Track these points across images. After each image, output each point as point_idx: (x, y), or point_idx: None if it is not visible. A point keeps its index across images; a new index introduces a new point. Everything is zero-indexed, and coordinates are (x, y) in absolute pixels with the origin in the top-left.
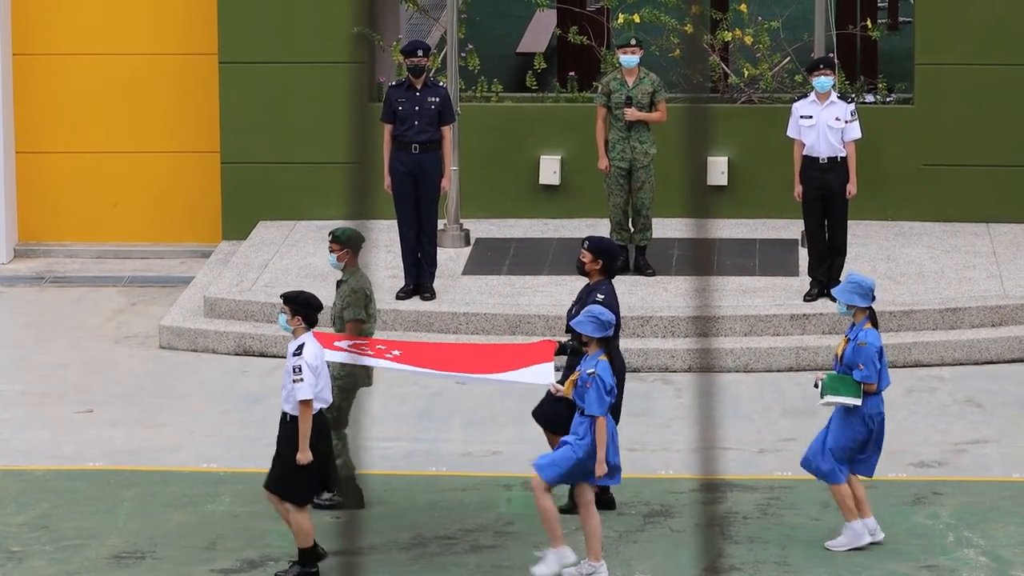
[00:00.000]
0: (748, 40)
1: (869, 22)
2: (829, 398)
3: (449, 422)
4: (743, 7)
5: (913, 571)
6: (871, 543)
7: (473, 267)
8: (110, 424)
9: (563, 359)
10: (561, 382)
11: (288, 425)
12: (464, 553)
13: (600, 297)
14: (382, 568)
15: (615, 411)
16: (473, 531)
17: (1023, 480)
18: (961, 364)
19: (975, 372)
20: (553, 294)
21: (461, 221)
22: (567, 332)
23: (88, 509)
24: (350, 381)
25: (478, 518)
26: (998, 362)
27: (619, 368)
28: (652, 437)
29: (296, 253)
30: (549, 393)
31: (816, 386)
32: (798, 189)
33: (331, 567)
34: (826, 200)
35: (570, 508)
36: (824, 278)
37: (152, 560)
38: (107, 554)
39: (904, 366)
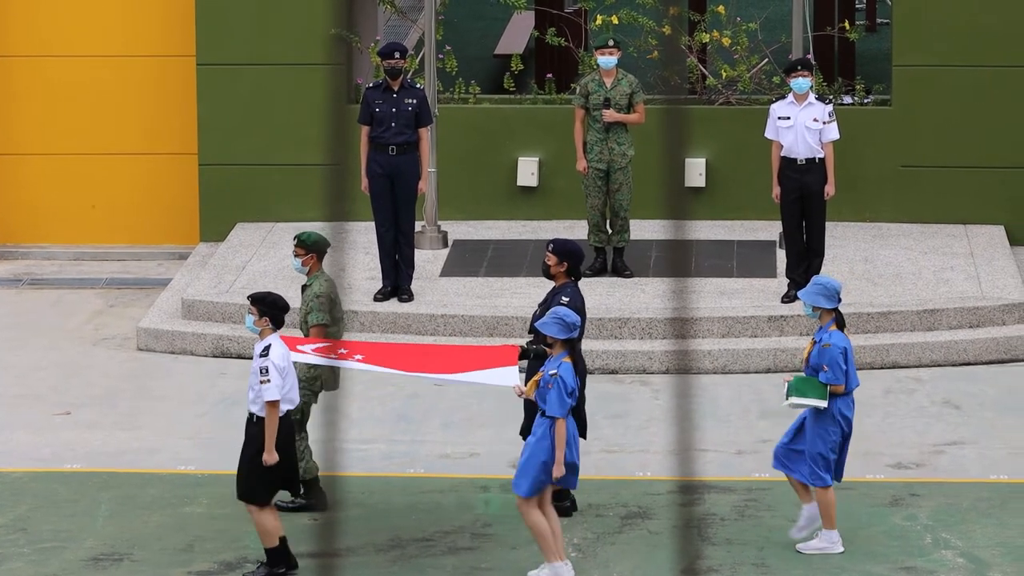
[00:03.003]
0: (726, 42)
1: (847, 23)
2: (794, 399)
3: (427, 424)
4: (721, 9)
5: (890, 572)
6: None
7: (451, 269)
8: (88, 426)
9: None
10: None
11: (255, 426)
12: (442, 555)
13: (565, 300)
14: (360, 570)
15: (577, 414)
16: (451, 533)
17: (1001, 481)
18: (939, 365)
19: (953, 373)
20: (531, 296)
21: (439, 223)
22: (530, 333)
23: (66, 511)
24: (316, 384)
25: (456, 520)
26: (976, 363)
27: (580, 371)
28: (630, 439)
29: (274, 255)
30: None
31: (784, 384)
32: (776, 190)
33: (309, 568)
34: (804, 201)
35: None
36: (802, 279)
37: (130, 562)
38: (85, 556)
39: (882, 367)
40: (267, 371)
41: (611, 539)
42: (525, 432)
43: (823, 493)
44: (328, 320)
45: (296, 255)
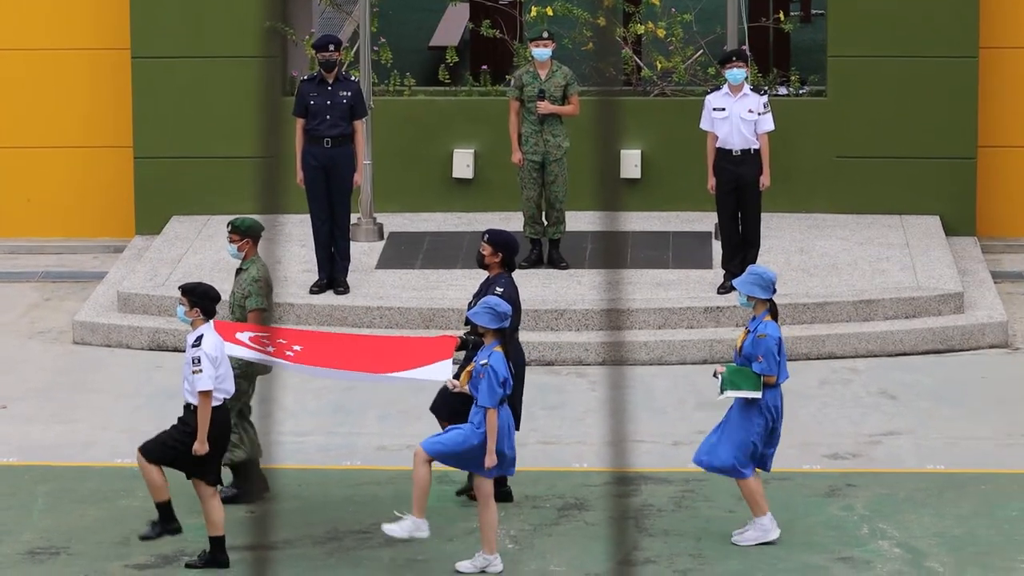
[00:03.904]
0: (661, 33)
1: (782, 14)
2: (729, 393)
3: (364, 416)
4: (655, 0)
5: (827, 563)
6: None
7: (387, 261)
8: (24, 420)
9: (460, 355)
10: (457, 375)
11: (192, 415)
12: (379, 547)
13: (499, 290)
14: (297, 562)
15: (514, 403)
16: None
17: (937, 472)
18: (875, 356)
19: (889, 364)
20: (467, 287)
21: (374, 215)
22: (466, 324)
23: (2, 505)
24: (248, 370)
25: (393, 512)
26: (912, 354)
27: (517, 361)
28: (566, 430)
29: (209, 248)
30: (444, 387)
31: (715, 376)
32: (711, 181)
33: (244, 561)
34: (739, 192)
35: (467, 490)
36: (738, 270)
37: (67, 556)
38: (21, 550)
39: (818, 358)
40: (199, 361)
41: (548, 531)
42: (434, 407)
43: (744, 483)
44: (266, 304)
45: (231, 241)
